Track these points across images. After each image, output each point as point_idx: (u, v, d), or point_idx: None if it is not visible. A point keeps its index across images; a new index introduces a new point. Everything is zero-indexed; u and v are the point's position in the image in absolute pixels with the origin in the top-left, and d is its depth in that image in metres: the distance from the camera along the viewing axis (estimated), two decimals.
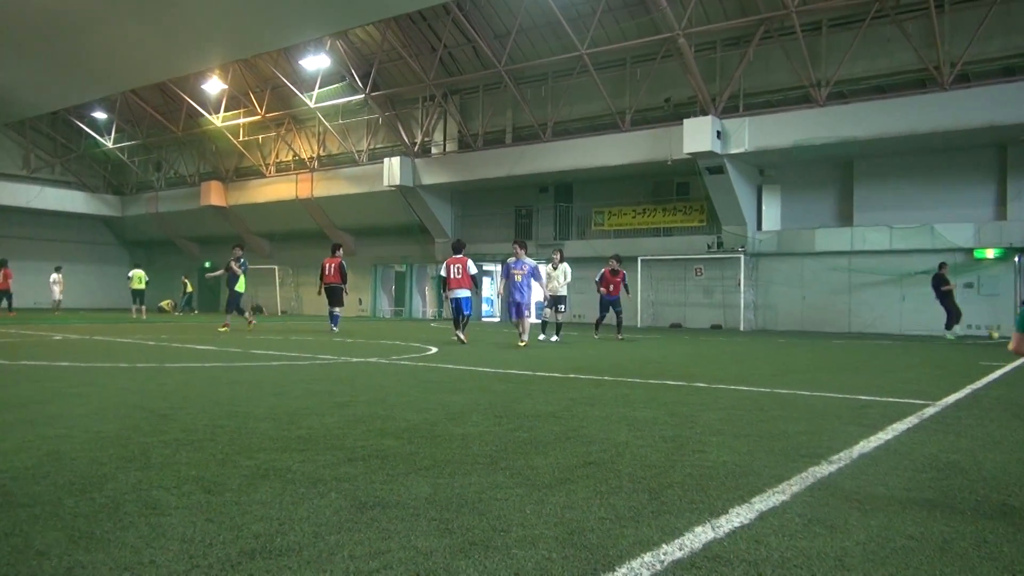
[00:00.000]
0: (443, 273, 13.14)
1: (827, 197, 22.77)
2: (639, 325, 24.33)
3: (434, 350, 11.35)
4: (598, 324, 15.69)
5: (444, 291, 13.32)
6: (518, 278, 12.03)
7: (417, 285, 33.10)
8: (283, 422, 4.79)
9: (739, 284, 23.03)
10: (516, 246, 12.68)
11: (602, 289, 15.08)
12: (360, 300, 33.85)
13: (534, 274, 12.43)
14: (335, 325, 16.54)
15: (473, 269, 13.69)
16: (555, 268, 13.41)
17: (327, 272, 17.19)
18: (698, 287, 24.62)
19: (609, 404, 5.79)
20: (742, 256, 22.82)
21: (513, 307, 12.47)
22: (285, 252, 36.47)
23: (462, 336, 13.00)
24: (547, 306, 14.23)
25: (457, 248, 13.30)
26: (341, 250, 17.92)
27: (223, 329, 15.79)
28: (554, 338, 13.52)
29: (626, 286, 15.30)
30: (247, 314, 17.39)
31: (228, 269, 16.77)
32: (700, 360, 10.62)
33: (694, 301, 24.66)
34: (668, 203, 25.42)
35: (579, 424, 4.85)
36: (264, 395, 6.03)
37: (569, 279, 14.78)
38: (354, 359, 9.83)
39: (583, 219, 27.67)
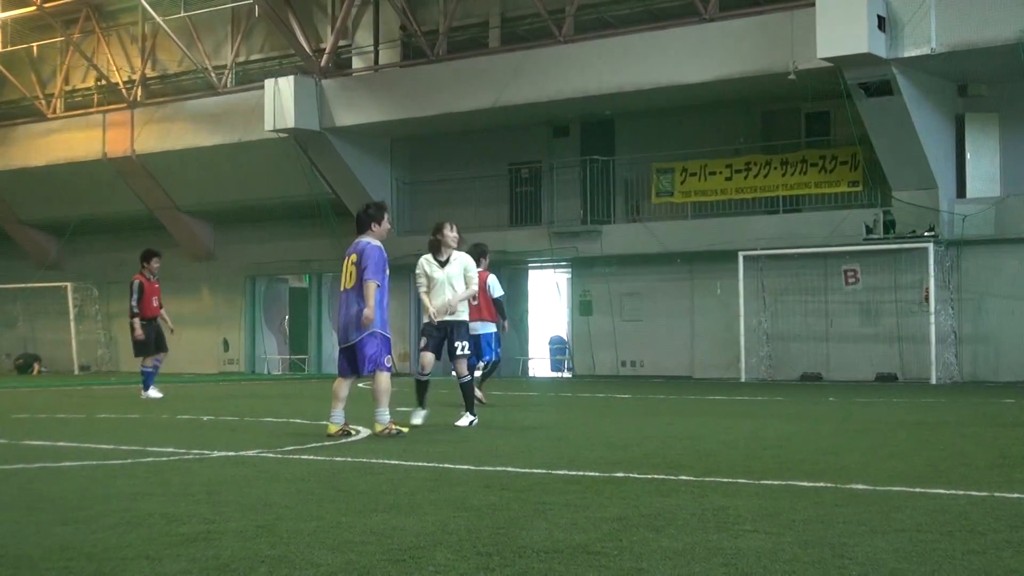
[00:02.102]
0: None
1: None
2: (742, 378, 24.33)
3: (364, 433, 11.29)
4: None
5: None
6: (344, 280, 11.34)
7: (332, 312, 33.01)
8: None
9: (926, 299, 23.05)
10: (371, 220, 11.43)
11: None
12: (224, 343, 33.78)
13: (374, 267, 11.43)
14: (149, 390, 16.60)
15: (497, 290, 15.51)
16: (441, 263, 12.52)
17: (152, 303, 18.43)
18: (851, 305, 24.64)
19: (689, 527, 5.74)
20: (931, 246, 22.88)
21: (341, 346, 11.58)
22: (85, 257, 36.48)
23: (480, 396, 15.16)
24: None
25: (479, 255, 14.91)
26: (157, 260, 18.65)
27: None
28: (466, 420, 12.87)
29: (499, 308, 16.16)
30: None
31: None
32: (856, 441, 10.55)
33: (844, 331, 24.68)
34: (791, 152, 25.48)
35: (636, 567, 4.81)
36: (47, 523, 5.98)
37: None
38: (215, 453, 9.79)
39: (635, 184, 27.71)
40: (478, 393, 15.04)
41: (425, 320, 12.82)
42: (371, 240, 11.08)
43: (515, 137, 29.06)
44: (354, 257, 10.98)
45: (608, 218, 27.78)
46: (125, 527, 5.87)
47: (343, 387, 11.16)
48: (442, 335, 12.49)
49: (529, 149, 29.20)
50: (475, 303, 14.24)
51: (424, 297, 12.55)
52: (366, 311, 10.82)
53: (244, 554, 5.11)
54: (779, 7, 23.41)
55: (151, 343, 18.67)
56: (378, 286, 10.90)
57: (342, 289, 11.12)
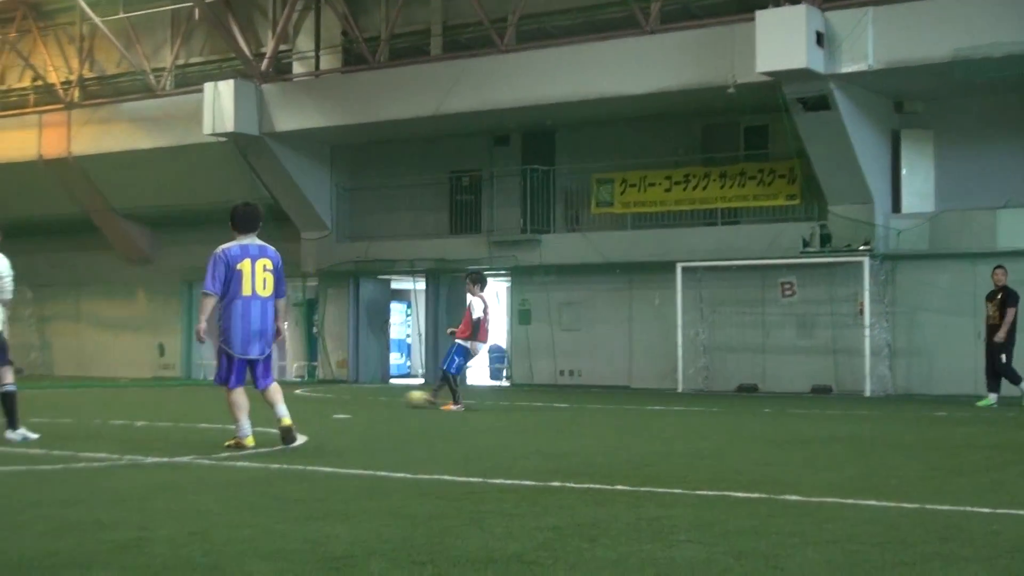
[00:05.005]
0: (482, 315, 17.27)
1: (1018, 153, 23.20)
2: (679, 388, 24.47)
3: (300, 440, 11.24)
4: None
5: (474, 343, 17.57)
6: (253, 284, 10.79)
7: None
8: None
9: (861, 311, 23.28)
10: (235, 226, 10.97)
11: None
12: (160, 347, 33.49)
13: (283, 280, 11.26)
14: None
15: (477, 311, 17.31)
16: None
17: None
18: (787, 317, 24.81)
19: (624, 537, 5.77)
20: (866, 260, 23.08)
21: (231, 357, 10.80)
22: (18, 259, 35.52)
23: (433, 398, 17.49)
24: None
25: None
26: None
27: None
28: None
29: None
30: None
31: None
32: (791, 453, 10.66)
33: (780, 343, 24.84)
34: (730, 165, 25.62)
35: None
36: None
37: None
38: (147, 459, 9.72)
39: (575, 194, 27.79)
40: (426, 396, 17.85)
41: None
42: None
43: (456, 145, 28.99)
44: (269, 263, 10.70)
45: (548, 227, 27.78)
46: (55, 534, 5.82)
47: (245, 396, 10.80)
48: None
49: (470, 157, 29.14)
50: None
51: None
52: (282, 326, 10.99)
53: (176, 562, 5.09)
54: (719, 21, 23.50)
55: None
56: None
57: (249, 293, 10.56)
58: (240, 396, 10.62)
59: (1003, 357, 18.35)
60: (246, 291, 10.54)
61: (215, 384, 10.79)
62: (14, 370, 12.01)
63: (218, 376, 10.70)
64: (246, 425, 10.56)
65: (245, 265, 10.55)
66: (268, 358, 10.83)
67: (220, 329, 10.67)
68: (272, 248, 10.86)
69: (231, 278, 10.50)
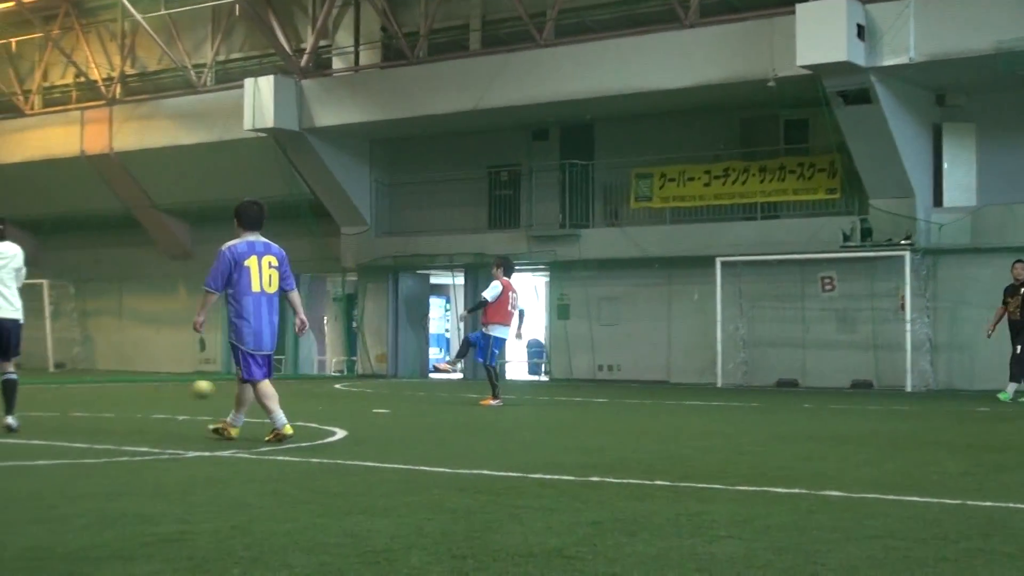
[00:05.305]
0: (495, 298, 17.22)
1: None
2: (719, 383, 24.40)
3: (341, 434, 11.26)
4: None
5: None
6: (260, 281, 10.86)
7: (309, 314, 32.67)
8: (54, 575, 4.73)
9: (902, 307, 23.16)
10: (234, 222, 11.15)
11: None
12: (201, 342, 33.60)
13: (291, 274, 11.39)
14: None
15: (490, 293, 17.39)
16: None
17: None
18: (827, 312, 24.72)
19: (664, 532, 5.75)
20: (907, 254, 22.97)
21: (249, 351, 10.90)
22: (62, 255, 36.39)
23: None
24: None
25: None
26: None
27: None
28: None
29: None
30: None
31: None
32: (831, 449, 10.60)
33: (820, 338, 24.75)
34: (770, 159, 25.57)
35: (610, 572, 4.80)
36: (19, 522, 5.97)
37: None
38: (190, 453, 9.77)
39: (614, 189, 27.77)
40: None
41: None
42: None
43: (495, 140, 29.04)
44: (274, 260, 10.78)
45: (587, 222, 27.80)
46: (98, 527, 5.84)
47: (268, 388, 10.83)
48: None
49: (508, 152, 29.19)
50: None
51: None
52: (304, 319, 11.12)
53: (218, 555, 5.09)
54: (759, 14, 23.42)
55: None
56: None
57: (258, 290, 10.68)
58: (268, 387, 10.69)
59: (1018, 348, 18.33)
60: (255, 288, 10.66)
61: (243, 380, 10.78)
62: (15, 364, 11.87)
63: (245, 372, 10.70)
64: (280, 415, 10.59)
65: (252, 262, 10.66)
66: (271, 354, 10.98)
67: (231, 325, 10.76)
68: (276, 245, 10.95)
69: (239, 275, 10.61)
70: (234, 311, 10.66)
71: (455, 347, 34.04)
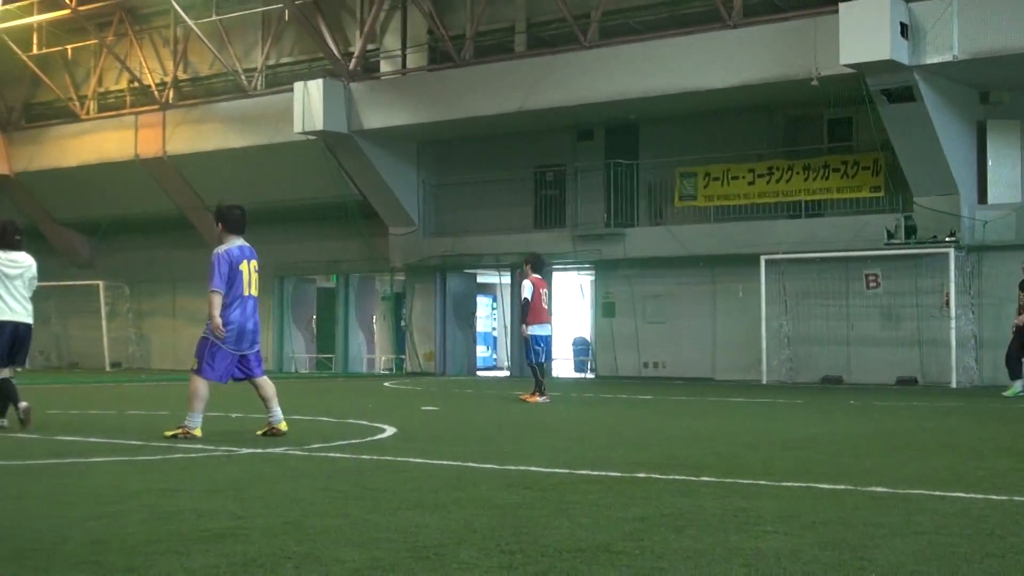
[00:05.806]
0: (530, 296, 17.46)
1: None
2: (763, 380, 24.32)
3: (390, 431, 11.34)
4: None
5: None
6: (249, 285, 11.06)
7: (359, 313, 33.13)
8: (112, 569, 4.80)
9: (946, 303, 23.00)
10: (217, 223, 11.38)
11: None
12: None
13: None
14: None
15: (524, 291, 17.66)
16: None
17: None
18: (871, 309, 24.59)
19: (710, 528, 5.77)
20: (952, 251, 22.82)
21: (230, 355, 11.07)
22: (117, 256, 36.79)
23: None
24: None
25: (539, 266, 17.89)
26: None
27: None
28: None
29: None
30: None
31: None
32: (876, 445, 10.58)
33: (865, 335, 24.64)
34: (814, 157, 25.47)
35: (657, 567, 4.84)
36: (78, 517, 6.05)
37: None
38: (243, 450, 9.85)
39: (658, 188, 27.72)
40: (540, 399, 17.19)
41: None
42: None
43: (540, 140, 29.07)
44: (256, 264, 11.03)
45: (631, 221, 27.78)
46: (155, 522, 5.94)
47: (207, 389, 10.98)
48: None
49: (554, 152, 29.20)
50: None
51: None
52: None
53: (271, 550, 5.17)
54: (802, 14, 23.35)
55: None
56: None
57: (246, 294, 10.91)
58: (206, 388, 10.86)
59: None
60: (245, 291, 10.88)
61: (196, 373, 10.90)
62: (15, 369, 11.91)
63: (208, 370, 10.81)
64: (199, 418, 10.77)
65: (244, 266, 10.89)
66: (258, 351, 11.18)
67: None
68: (254, 249, 11.19)
69: (234, 278, 10.78)
70: (226, 313, 10.77)
71: (502, 346, 34.20)
